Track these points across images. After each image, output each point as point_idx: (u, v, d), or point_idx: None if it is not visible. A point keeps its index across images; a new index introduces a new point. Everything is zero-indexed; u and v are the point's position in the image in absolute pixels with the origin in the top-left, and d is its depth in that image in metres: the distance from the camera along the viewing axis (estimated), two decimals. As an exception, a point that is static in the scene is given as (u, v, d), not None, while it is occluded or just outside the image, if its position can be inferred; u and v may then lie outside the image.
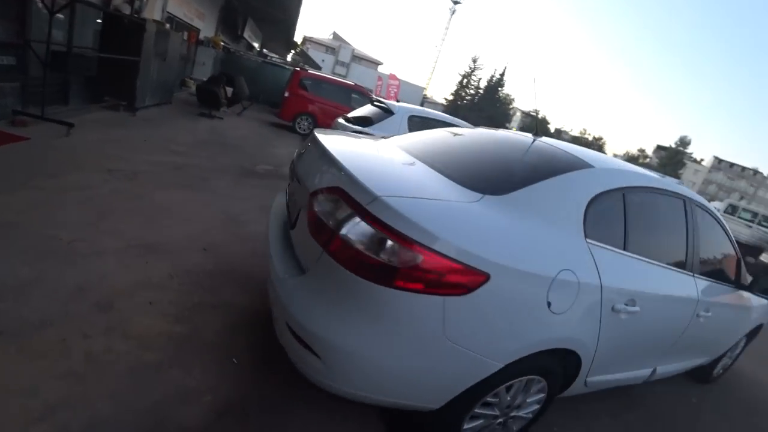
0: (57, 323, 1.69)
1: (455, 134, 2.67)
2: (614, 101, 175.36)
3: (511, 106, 53.24)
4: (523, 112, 63.96)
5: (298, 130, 9.14)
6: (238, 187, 4.29)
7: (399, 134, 4.92)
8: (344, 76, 17.97)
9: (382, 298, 1.25)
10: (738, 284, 2.74)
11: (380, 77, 24.98)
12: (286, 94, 8.76)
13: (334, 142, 1.95)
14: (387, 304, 1.26)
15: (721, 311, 2.61)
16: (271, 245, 1.77)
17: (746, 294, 2.85)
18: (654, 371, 2.40)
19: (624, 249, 1.81)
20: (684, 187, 2.39)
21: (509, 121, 52.84)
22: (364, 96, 9.94)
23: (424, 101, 56.14)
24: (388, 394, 1.39)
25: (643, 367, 2.32)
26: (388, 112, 5.13)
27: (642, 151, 62.85)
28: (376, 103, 5.65)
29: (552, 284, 1.45)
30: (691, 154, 58.21)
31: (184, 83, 10.37)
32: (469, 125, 5.99)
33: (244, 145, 6.47)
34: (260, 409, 1.62)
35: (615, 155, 66.50)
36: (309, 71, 9.69)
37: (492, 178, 1.72)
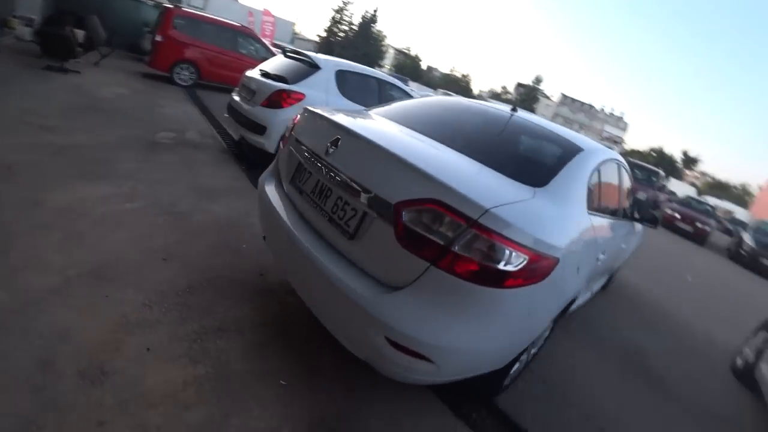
0: (49, 426, 1.24)
1: (444, 109, 2.69)
2: (480, 40, 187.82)
3: (384, 44, 52.81)
4: (396, 50, 64.38)
5: (178, 81, 7.66)
6: (151, 167, 3.52)
7: (328, 94, 4.60)
8: (202, 9, 15.20)
9: (491, 298, 1.38)
10: (633, 217, 3.41)
11: (251, 13, 21.75)
12: (158, 38, 7.11)
13: (365, 129, 1.83)
14: (495, 302, 1.40)
15: (626, 240, 3.30)
16: (315, 259, 1.57)
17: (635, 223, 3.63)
18: (593, 293, 3.13)
19: (600, 213, 2.21)
20: (615, 151, 2.92)
21: (382, 59, 52.74)
22: (252, 39, 8.70)
23: (294, 38, 51.98)
24: (477, 370, 1.60)
25: (590, 291, 2.98)
26: (311, 66, 4.60)
27: (504, 88, 69.96)
28: (290, 54, 4.97)
29: (582, 255, 1.85)
30: (544, 90, 67.41)
31: (5, 23, 7.45)
32: (405, 84, 5.83)
33: (125, 108, 5.20)
34: (339, 417, 1.59)
35: (480, 92, 74.21)
36: (185, 9, 7.95)
37: (529, 170, 1.93)
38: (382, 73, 5.47)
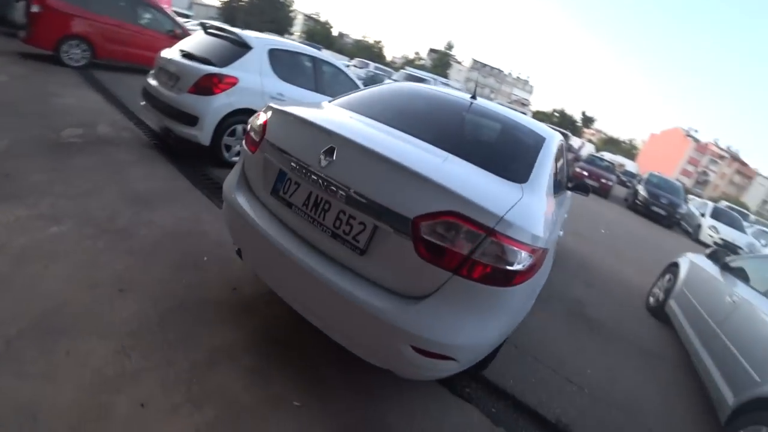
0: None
1: (411, 99, 2.64)
2: (391, 6, 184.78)
3: (291, 9, 49.60)
4: (305, 16, 61.05)
5: (68, 62, 6.40)
6: (67, 175, 2.97)
7: (263, 76, 4.22)
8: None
9: (503, 295, 1.49)
10: (568, 188, 3.63)
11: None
12: (35, 8, 5.80)
13: (359, 134, 1.71)
14: (506, 298, 1.52)
15: (566, 209, 3.69)
16: (323, 277, 1.52)
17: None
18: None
19: (557, 194, 2.42)
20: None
21: (291, 26, 49.74)
22: (153, 9, 7.58)
23: (192, 4, 46.42)
24: (485, 354, 1.74)
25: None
26: (240, 45, 4.14)
27: (417, 54, 70.45)
28: (213, 31, 4.41)
29: (553, 236, 1.99)
30: (455, 56, 69.19)
31: None
32: (337, 60, 5.50)
33: (10, 101, 4.25)
34: (359, 422, 1.64)
35: (394, 58, 74.04)
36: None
37: (511, 166, 2.01)
38: (313, 49, 5.16)
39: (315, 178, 1.60)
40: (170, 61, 4.03)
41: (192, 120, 3.76)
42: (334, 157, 1.57)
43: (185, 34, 7.51)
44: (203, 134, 3.81)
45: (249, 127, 2.05)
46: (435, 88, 3.06)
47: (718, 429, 2.65)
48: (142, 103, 4.27)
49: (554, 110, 65.96)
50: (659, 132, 76.02)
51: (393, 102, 2.54)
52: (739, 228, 12.97)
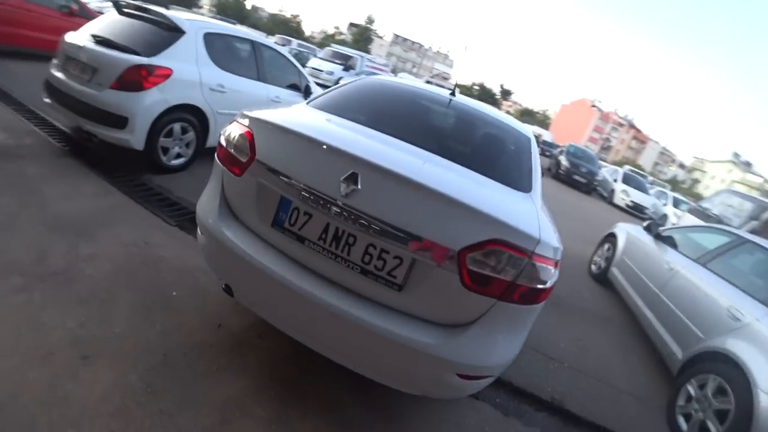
0: None
1: (397, 99, 2.52)
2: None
3: (199, -20, 44.89)
4: (214, -17, 55.69)
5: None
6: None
7: (200, 66, 3.69)
8: None
9: (533, 311, 1.53)
10: None
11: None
12: None
13: (384, 157, 1.53)
14: (533, 313, 1.56)
15: None
16: (353, 317, 1.40)
17: None
18: None
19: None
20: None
21: (199, -1, 45.24)
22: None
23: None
24: None
25: None
26: (169, 29, 3.51)
27: (337, 28, 68.22)
28: (129, 11, 3.69)
29: None
30: (376, 30, 68.11)
31: None
32: (273, 42, 4.97)
33: None
34: None
35: (312, 32, 71.12)
36: None
37: (517, 176, 2.01)
38: (255, 34, 4.66)
39: (336, 209, 1.41)
40: (81, 48, 3.34)
41: (120, 122, 3.19)
42: (359, 185, 1.39)
43: (87, 13, 6.34)
44: (135, 137, 3.26)
45: (223, 141, 1.76)
46: (408, 81, 2.98)
47: (671, 382, 3.05)
48: (47, 100, 3.52)
49: (473, 83, 68.86)
50: (569, 103, 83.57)
51: (384, 105, 2.39)
52: (645, 191, 14.92)
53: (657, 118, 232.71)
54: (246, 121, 1.69)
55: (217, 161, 1.79)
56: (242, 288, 1.67)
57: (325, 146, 1.49)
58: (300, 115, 1.93)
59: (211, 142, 3.93)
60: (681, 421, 2.78)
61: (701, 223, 6.89)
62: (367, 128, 1.88)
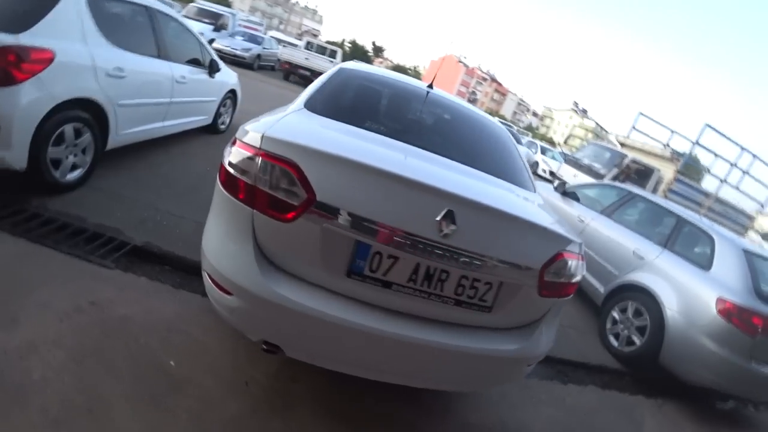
0: None
1: (394, 97, 2.54)
2: None
3: None
4: None
5: None
6: None
7: (88, 43, 2.80)
8: None
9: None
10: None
11: None
12: None
13: (468, 189, 1.54)
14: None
15: None
16: (444, 346, 1.45)
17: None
18: None
19: None
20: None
21: None
22: None
23: None
24: None
25: None
26: None
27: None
28: None
29: None
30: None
31: None
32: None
33: None
34: None
35: None
36: None
37: (525, 176, 2.24)
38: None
39: (436, 250, 1.37)
40: None
41: (-18, 132, 2.23)
42: (458, 223, 1.36)
43: None
44: (14, 153, 2.33)
45: (243, 175, 1.39)
46: (390, 74, 2.88)
47: (599, 313, 3.95)
48: None
49: (343, 40, 67.64)
50: (437, 59, 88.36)
51: (388, 108, 2.40)
52: (519, 142, 16.90)
53: (514, 72, 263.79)
54: (279, 149, 1.36)
55: (232, 199, 1.41)
56: (301, 344, 1.46)
57: (414, 184, 1.37)
58: (333, 133, 1.71)
59: (112, 143, 3.07)
60: (612, 339, 3.71)
61: (577, 172, 8.31)
62: (398, 142, 1.81)
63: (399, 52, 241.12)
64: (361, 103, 2.36)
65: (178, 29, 3.89)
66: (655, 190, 7.93)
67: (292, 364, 1.76)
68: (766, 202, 9.34)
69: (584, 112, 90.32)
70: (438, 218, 1.35)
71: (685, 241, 3.97)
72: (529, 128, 74.09)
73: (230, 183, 1.42)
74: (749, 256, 3.58)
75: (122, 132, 3.16)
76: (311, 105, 1.95)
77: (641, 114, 8.82)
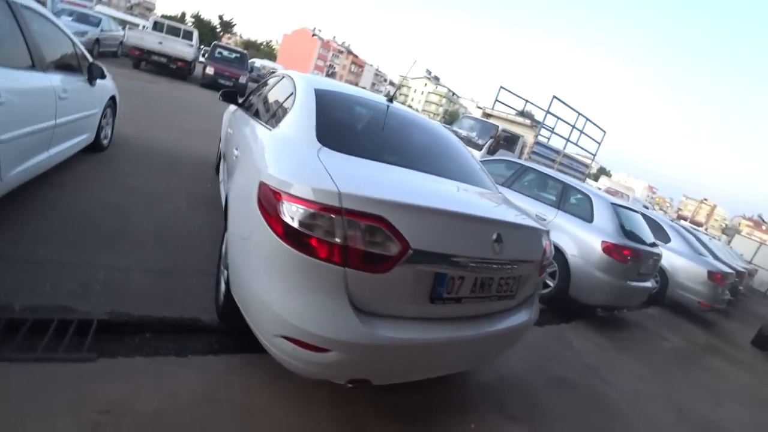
0: None
1: (383, 121, 2.52)
2: None
3: None
4: None
5: None
6: None
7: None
8: None
9: None
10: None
11: None
12: None
13: (509, 213, 2.12)
14: None
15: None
16: (490, 332, 1.79)
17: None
18: None
19: None
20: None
21: None
22: None
23: None
24: None
25: None
26: None
27: None
28: None
29: None
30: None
31: None
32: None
33: None
34: None
35: None
36: None
37: (486, 181, 2.58)
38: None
39: (486, 266, 1.68)
40: None
41: None
42: (503, 241, 1.70)
43: None
44: None
45: (325, 231, 1.37)
46: (355, 90, 2.97)
47: None
48: None
49: (184, 14, 59.18)
50: (290, 32, 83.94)
51: (384, 133, 2.41)
52: None
53: (368, 42, 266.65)
54: (364, 206, 1.39)
55: (313, 260, 1.37)
56: (389, 371, 1.61)
57: (475, 219, 1.73)
58: (379, 174, 1.84)
59: None
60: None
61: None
62: (418, 172, 2.04)
63: (249, 26, 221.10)
64: (362, 132, 2.36)
65: (47, 27, 2.94)
66: (521, 154, 9.39)
67: (343, 389, 1.83)
68: (596, 153, 11.98)
69: (437, 79, 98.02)
70: (492, 240, 1.66)
71: (571, 202, 4.89)
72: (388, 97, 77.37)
73: (305, 243, 1.37)
74: (615, 208, 4.64)
75: (7, 176, 2.35)
76: (326, 141, 1.87)
77: (502, 87, 10.20)
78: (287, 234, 1.38)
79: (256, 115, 2.91)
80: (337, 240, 1.34)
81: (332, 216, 1.34)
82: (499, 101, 10.53)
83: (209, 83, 13.18)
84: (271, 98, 3.03)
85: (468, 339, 1.66)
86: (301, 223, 1.36)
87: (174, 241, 2.89)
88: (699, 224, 56.71)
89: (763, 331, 6.34)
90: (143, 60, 12.41)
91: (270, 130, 2.26)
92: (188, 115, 8.38)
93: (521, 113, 10.44)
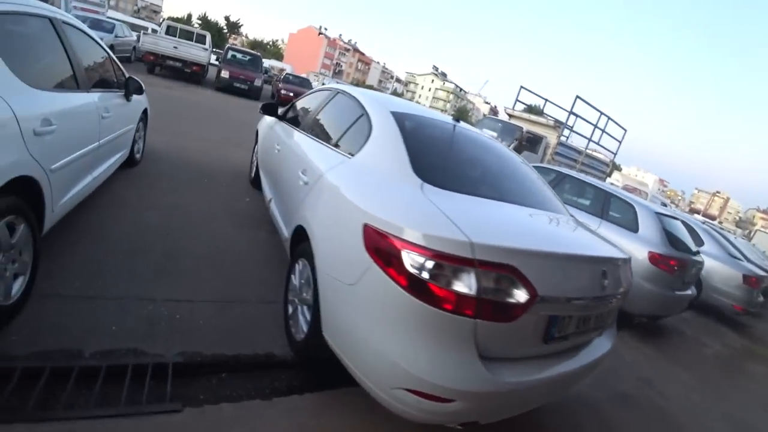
0: None
1: (463, 147, 2.45)
2: None
3: None
4: None
5: None
6: None
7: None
8: None
9: None
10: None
11: None
12: None
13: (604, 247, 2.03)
14: None
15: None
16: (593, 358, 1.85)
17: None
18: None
19: None
20: None
21: None
22: None
23: None
24: None
25: None
26: None
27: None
28: None
29: None
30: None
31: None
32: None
33: None
34: None
35: None
36: None
37: (562, 206, 2.47)
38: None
39: (592, 304, 1.66)
40: None
41: None
42: (608, 277, 1.71)
43: None
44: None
45: (452, 282, 1.31)
46: (430, 113, 2.75)
47: None
48: None
49: (190, 15, 58.97)
50: (296, 32, 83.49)
51: (470, 161, 2.34)
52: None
53: (374, 40, 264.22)
54: (496, 256, 1.35)
55: (439, 312, 1.30)
56: (499, 410, 1.59)
57: (583, 258, 1.71)
58: (490, 213, 1.80)
59: (49, 223, 2.12)
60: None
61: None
62: (519, 206, 2.01)
63: (255, 26, 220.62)
64: (452, 162, 2.23)
65: (86, 42, 2.78)
66: (544, 155, 9.14)
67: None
68: (617, 152, 11.70)
69: (444, 75, 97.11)
70: (600, 277, 1.66)
71: (615, 211, 4.69)
72: (395, 94, 77.11)
73: (434, 295, 1.31)
74: (660, 217, 4.43)
75: (59, 204, 2.20)
76: (423, 175, 1.76)
77: (522, 87, 9.91)
78: (413, 285, 1.31)
79: (315, 135, 2.73)
80: (470, 292, 1.28)
81: (465, 267, 1.29)
82: (519, 101, 10.23)
83: (225, 87, 12.98)
84: (331, 118, 2.85)
85: (572, 372, 1.67)
86: (431, 275, 1.30)
87: (226, 266, 2.74)
88: (712, 217, 56.00)
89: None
90: (158, 65, 12.26)
91: (348, 157, 2.11)
92: (209, 123, 8.22)
93: (540, 113, 10.18)
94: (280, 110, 3.88)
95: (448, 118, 2.64)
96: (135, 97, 3.68)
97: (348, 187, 1.86)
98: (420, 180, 1.74)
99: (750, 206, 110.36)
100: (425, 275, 1.30)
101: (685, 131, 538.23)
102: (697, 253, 4.78)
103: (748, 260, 6.91)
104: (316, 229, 1.91)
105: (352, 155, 2.09)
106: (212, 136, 6.79)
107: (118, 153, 3.39)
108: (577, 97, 9.22)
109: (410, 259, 1.32)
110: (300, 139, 2.87)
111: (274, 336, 2.15)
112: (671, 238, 4.37)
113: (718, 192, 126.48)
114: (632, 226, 4.42)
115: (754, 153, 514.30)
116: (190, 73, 12.69)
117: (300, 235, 2.12)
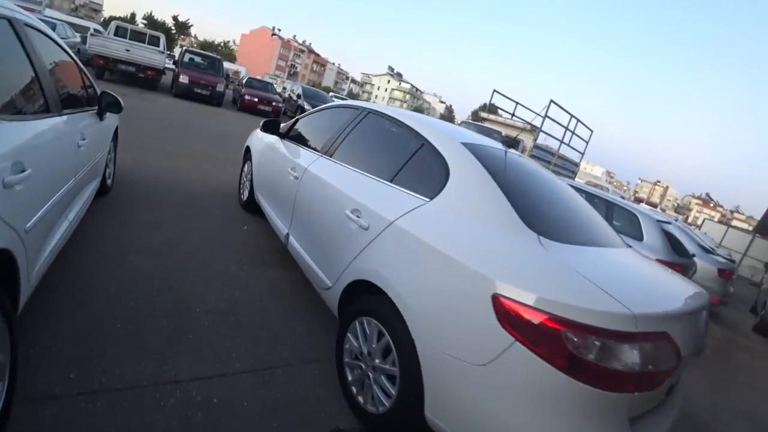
0: None
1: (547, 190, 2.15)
2: None
3: None
4: None
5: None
6: None
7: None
8: None
9: None
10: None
11: None
12: None
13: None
14: None
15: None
16: None
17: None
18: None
19: None
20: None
21: None
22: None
23: None
24: None
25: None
26: None
27: None
28: None
29: None
30: None
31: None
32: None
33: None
34: None
35: None
36: None
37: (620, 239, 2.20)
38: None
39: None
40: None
41: None
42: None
43: None
44: None
45: (614, 358, 1.17)
46: (494, 142, 2.39)
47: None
48: None
49: (133, 15, 54.81)
50: (248, 32, 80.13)
51: (555, 201, 2.05)
52: (326, 100, 15.50)
53: (329, 41, 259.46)
54: (653, 326, 1.25)
55: (599, 391, 1.16)
56: None
57: (701, 309, 1.56)
58: (613, 271, 1.59)
59: (24, 297, 1.57)
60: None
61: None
62: (600, 247, 1.77)
63: (204, 26, 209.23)
64: (543, 204, 1.94)
65: (54, 50, 2.18)
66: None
67: None
68: (584, 152, 12.05)
69: (399, 75, 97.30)
70: (704, 322, 1.59)
71: (618, 220, 4.65)
72: (351, 95, 76.29)
73: (598, 376, 1.16)
74: (660, 224, 4.44)
75: (35, 271, 1.65)
76: (535, 226, 1.50)
77: (495, 91, 9.87)
78: (574, 366, 1.15)
79: (358, 166, 2.24)
80: (635, 367, 1.17)
81: (629, 342, 1.18)
82: (494, 105, 10.21)
83: (183, 93, 11.85)
84: (373, 145, 2.43)
85: (677, 413, 1.61)
86: (597, 356, 1.15)
87: (248, 320, 2.26)
88: (654, 205, 60.38)
89: (765, 319, 6.59)
90: (108, 69, 10.99)
91: (424, 201, 1.72)
92: (177, 134, 7.40)
93: (495, 112, 10.22)
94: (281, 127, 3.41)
95: (498, 144, 2.32)
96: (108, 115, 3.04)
97: (445, 243, 1.50)
98: (533, 233, 1.47)
99: (686, 193, 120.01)
100: (592, 357, 1.15)
101: (628, 124, 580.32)
102: (693, 256, 4.87)
103: (717, 254, 7.29)
104: (404, 292, 1.53)
105: (431, 199, 1.71)
106: (184, 150, 6.06)
107: (92, 184, 2.77)
108: (551, 101, 9.37)
109: (573, 341, 1.16)
110: (334, 168, 2.39)
111: (333, 405, 1.80)
112: (673, 245, 4.39)
113: (658, 181, 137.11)
114: (637, 235, 4.39)
115: (687, 142, 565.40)
116: (145, 78, 11.51)
117: (359, 288, 1.79)
